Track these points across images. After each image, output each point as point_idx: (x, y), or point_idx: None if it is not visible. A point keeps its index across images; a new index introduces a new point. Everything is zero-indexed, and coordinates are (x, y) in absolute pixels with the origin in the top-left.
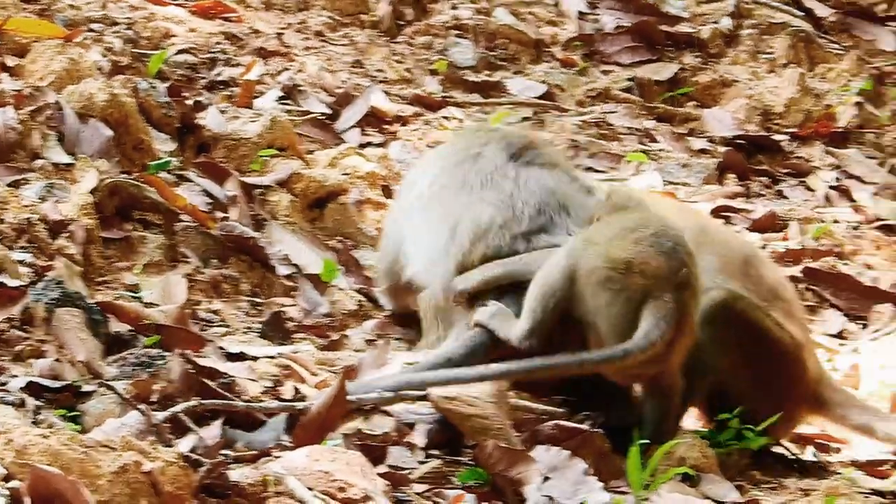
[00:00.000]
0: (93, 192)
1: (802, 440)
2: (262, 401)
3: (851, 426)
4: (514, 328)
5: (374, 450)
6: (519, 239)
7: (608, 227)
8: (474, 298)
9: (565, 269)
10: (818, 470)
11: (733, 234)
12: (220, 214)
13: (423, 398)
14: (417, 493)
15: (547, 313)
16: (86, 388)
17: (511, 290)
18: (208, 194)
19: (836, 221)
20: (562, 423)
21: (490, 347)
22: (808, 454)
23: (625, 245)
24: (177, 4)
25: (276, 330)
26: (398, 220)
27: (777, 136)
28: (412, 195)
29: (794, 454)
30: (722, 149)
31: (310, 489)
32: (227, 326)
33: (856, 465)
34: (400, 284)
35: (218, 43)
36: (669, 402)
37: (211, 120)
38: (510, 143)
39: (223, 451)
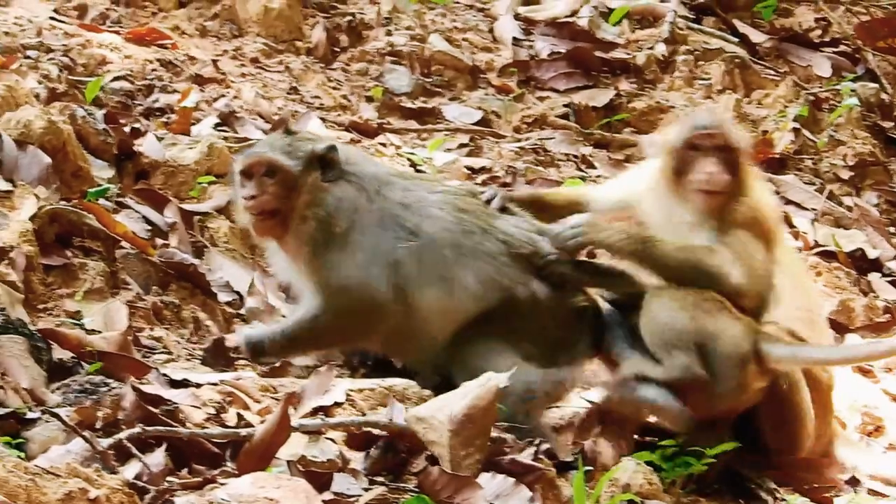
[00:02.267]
0: (32, 219)
1: None
2: (206, 428)
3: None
4: (671, 365)
5: (318, 476)
6: None
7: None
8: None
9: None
10: (764, 496)
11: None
12: (159, 241)
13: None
14: None
15: (692, 348)
16: (30, 415)
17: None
18: (148, 221)
19: None
20: (508, 450)
21: None
22: None
23: None
24: (112, 31)
25: (218, 356)
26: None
27: None
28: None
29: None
30: None
31: None
32: (170, 353)
33: (800, 491)
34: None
35: (154, 70)
36: None
37: (148, 147)
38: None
39: (168, 478)
